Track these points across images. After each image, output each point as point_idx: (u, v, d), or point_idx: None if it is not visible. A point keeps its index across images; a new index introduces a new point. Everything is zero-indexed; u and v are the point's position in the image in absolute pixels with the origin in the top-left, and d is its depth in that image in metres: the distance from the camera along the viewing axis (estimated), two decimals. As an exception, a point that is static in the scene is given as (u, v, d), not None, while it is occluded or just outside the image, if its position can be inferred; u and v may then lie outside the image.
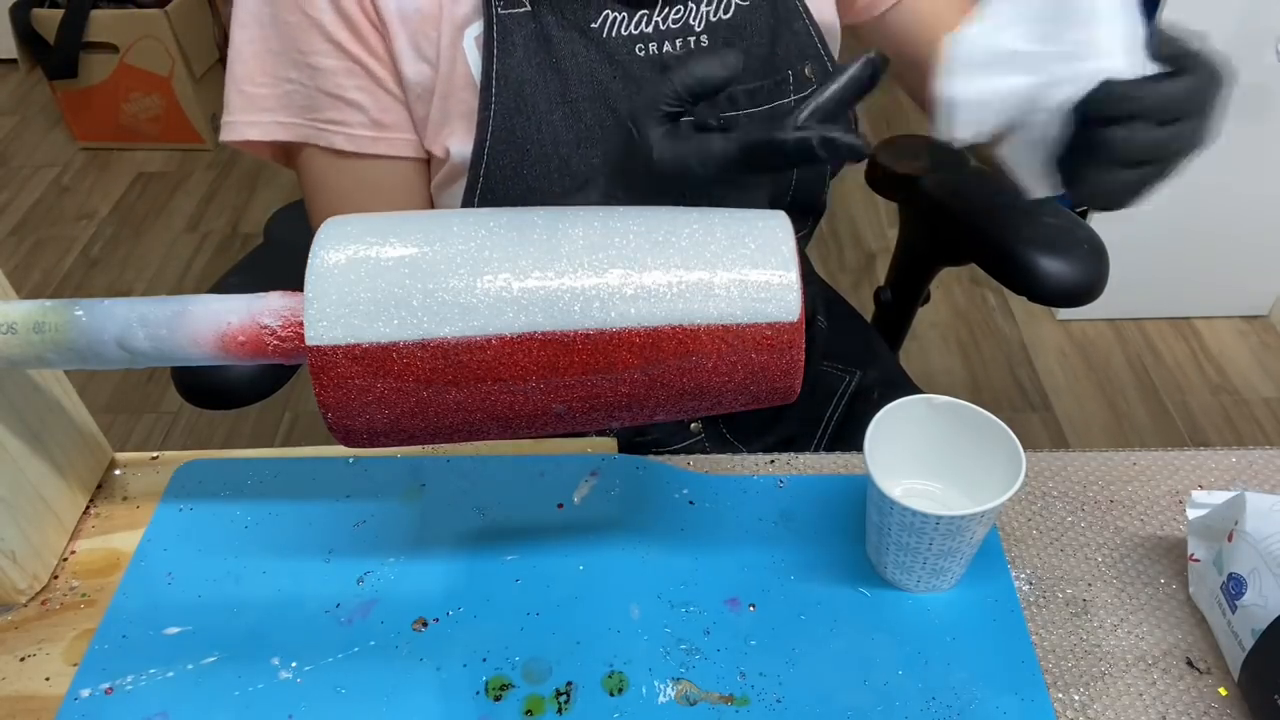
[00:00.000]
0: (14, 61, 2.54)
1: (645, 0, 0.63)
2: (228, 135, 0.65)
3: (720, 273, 0.41)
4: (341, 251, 0.41)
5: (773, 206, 0.44)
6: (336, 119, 0.63)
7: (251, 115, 0.64)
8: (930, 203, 0.93)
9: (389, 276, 0.41)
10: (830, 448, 0.81)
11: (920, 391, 0.89)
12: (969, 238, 0.90)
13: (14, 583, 0.53)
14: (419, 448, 0.62)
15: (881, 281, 1.06)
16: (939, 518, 0.48)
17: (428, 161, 0.68)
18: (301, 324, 0.43)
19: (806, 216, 0.78)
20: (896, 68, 0.75)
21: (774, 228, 0.43)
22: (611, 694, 0.49)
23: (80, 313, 0.44)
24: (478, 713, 0.49)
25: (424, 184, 0.69)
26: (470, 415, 0.43)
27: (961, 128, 0.51)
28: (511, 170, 0.63)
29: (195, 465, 0.61)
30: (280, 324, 0.43)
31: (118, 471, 0.61)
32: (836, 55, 0.72)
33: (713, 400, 0.43)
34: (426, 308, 0.41)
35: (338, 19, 0.61)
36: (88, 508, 0.59)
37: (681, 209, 0.44)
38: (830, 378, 0.86)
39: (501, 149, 0.63)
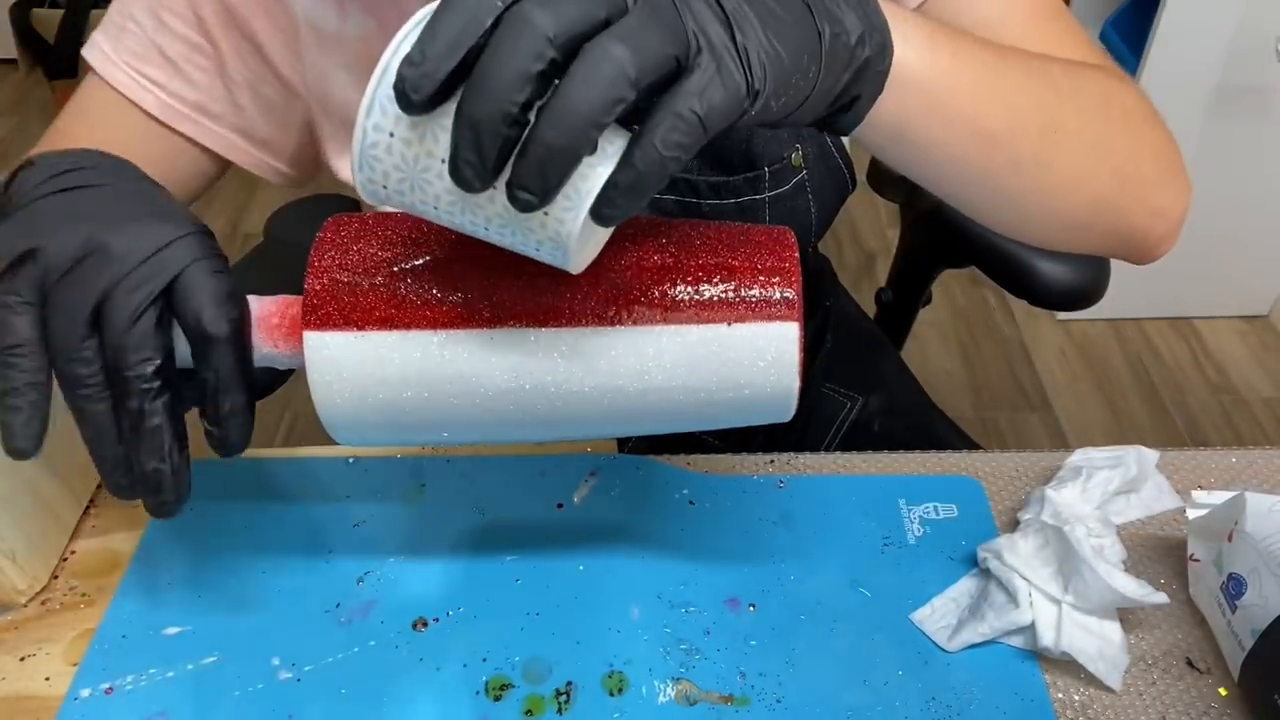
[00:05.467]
0: (14, 61, 2.54)
1: None
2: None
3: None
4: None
5: None
6: (153, 77, 0.61)
7: (100, 37, 0.61)
8: (931, 205, 0.93)
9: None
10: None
11: (926, 420, 0.87)
12: (969, 240, 0.90)
13: (14, 583, 0.53)
14: (419, 448, 0.62)
15: (882, 282, 1.06)
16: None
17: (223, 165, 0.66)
18: (301, 324, 0.43)
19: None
20: None
21: (781, 395, 0.42)
22: (611, 694, 0.49)
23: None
24: (478, 713, 0.49)
25: (205, 181, 0.66)
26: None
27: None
28: None
29: (195, 465, 0.61)
30: (281, 325, 0.44)
31: (118, 471, 0.61)
32: None
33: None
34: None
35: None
36: (88, 508, 0.59)
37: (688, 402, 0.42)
38: (830, 403, 0.83)
39: None
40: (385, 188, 0.35)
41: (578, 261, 0.36)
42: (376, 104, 0.33)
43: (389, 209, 0.38)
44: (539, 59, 0.31)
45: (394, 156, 0.34)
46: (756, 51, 0.33)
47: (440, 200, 0.35)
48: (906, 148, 0.46)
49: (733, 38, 0.33)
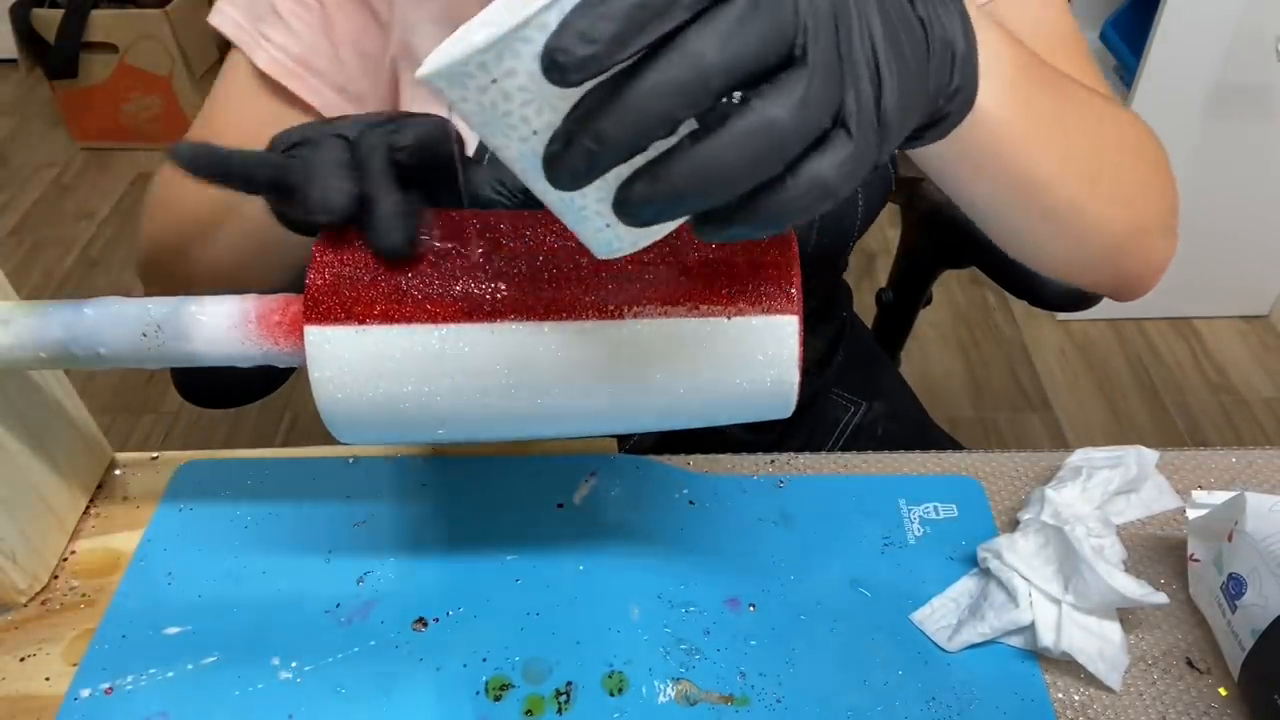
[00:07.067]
0: (14, 61, 2.54)
1: None
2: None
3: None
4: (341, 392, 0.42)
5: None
6: (269, 35, 0.63)
7: (224, 3, 0.64)
8: (931, 206, 0.93)
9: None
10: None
11: (931, 427, 0.88)
12: (970, 241, 0.90)
13: (14, 583, 0.53)
14: (419, 447, 0.62)
15: (883, 282, 1.05)
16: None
17: None
18: (302, 320, 0.43)
19: (827, 269, 0.75)
20: None
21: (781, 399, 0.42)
22: (611, 694, 0.49)
23: (86, 311, 0.44)
24: (477, 713, 0.49)
25: None
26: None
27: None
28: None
29: (195, 465, 0.61)
30: (282, 323, 0.44)
31: (118, 471, 0.61)
32: None
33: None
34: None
35: None
36: (88, 508, 0.59)
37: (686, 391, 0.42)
38: (835, 407, 0.84)
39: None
40: (453, 109, 0.32)
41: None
42: (498, 47, 0.29)
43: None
44: (694, 107, 0.28)
45: (486, 97, 0.31)
46: (894, 119, 0.31)
47: (508, 152, 0.33)
48: (947, 178, 0.47)
49: (878, 101, 0.31)
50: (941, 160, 0.46)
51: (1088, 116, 0.49)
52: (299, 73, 0.63)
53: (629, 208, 0.30)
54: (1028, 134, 0.45)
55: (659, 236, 0.34)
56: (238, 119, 0.65)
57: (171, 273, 0.66)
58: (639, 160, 0.30)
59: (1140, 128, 0.54)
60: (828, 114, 0.29)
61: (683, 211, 0.30)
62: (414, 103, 0.66)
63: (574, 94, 0.30)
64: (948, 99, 0.36)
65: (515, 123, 0.31)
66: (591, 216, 0.33)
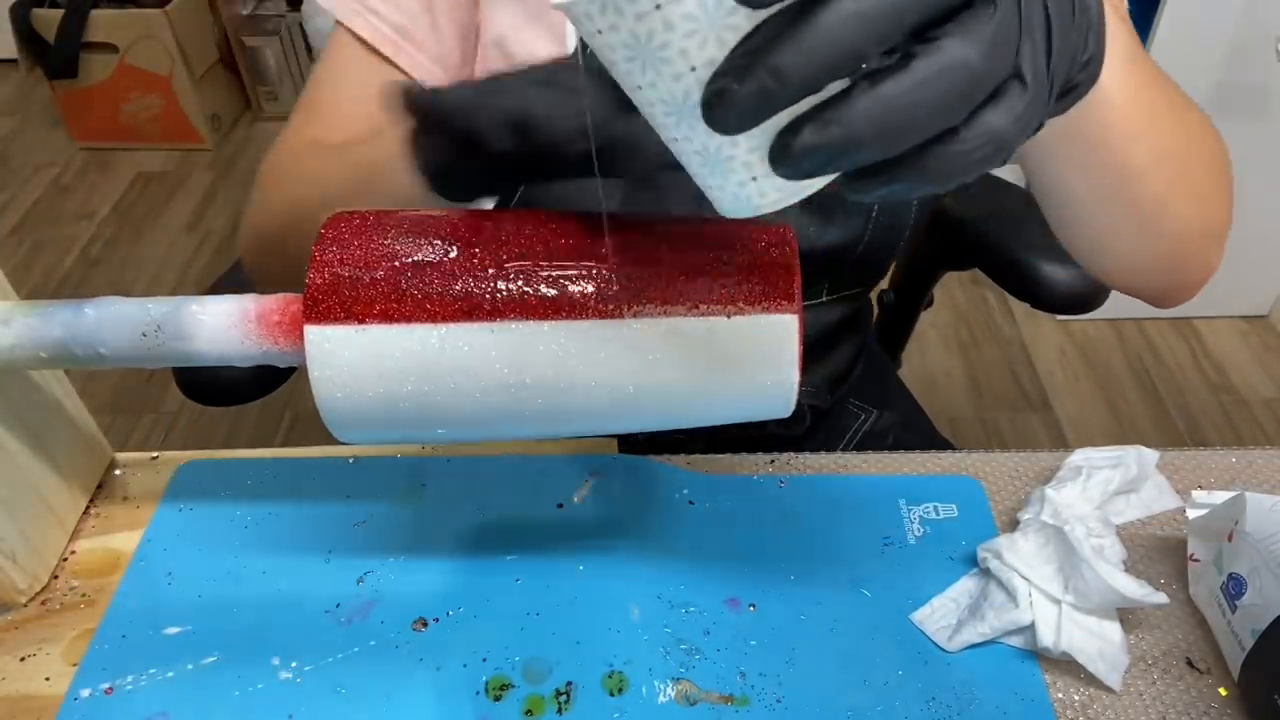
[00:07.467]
0: (14, 61, 2.54)
1: None
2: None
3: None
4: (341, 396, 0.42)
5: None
6: (370, 4, 0.63)
7: None
8: (934, 207, 0.93)
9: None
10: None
11: (938, 436, 0.88)
12: (973, 243, 0.90)
13: (14, 583, 0.53)
14: (419, 447, 0.62)
15: (884, 284, 1.05)
16: None
17: None
18: (302, 320, 0.43)
19: (871, 275, 0.76)
20: None
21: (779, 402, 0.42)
22: (611, 694, 0.49)
23: (87, 311, 0.44)
24: (477, 713, 0.49)
25: None
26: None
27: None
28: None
29: (195, 465, 0.61)
30: (282, 322, 0.44)
31: (118, 471, 0.61)
32: None
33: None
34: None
35: None
36: (88, 508, 0.59)
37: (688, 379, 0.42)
38: (847, 414, 0.84)
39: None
40: (599, 34, 0.29)
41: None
42: None
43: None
44: (883, 42, 0.26)
45: (642, 26, 0.28)
46: (1059, 74, 0.30)
47: (652, 92, 0.29)
48: (1043, 158, 0.46)
49: (1048, 52, 0.29)
50: (1047, 139, 0.44)
51: (1177, 109, 0.49)
52: (396, 40, 0.63)
53: (792, 157, 0.27)
54: (1133, 118, 0.44)
55: (803, 195, 0.32)
56: (340, 91, 0.65)
57: (293, 250, 0.66)
58: (803, 105, 0.27)
59: (1214, 132, 0.53)
60: (1009, 61, 0.27)
61: (850, 162, 0.27)
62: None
63: (745, 26, 0.27)
64: (1081, 67, 0.35)
65: (671, 56, 0.28)
66: (737, 168, 0.30)
